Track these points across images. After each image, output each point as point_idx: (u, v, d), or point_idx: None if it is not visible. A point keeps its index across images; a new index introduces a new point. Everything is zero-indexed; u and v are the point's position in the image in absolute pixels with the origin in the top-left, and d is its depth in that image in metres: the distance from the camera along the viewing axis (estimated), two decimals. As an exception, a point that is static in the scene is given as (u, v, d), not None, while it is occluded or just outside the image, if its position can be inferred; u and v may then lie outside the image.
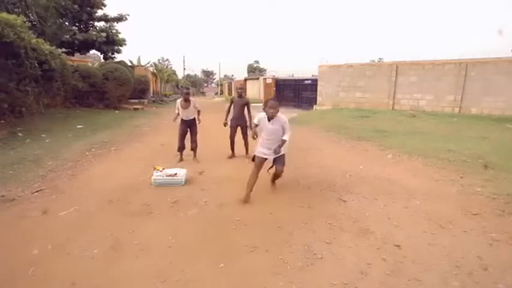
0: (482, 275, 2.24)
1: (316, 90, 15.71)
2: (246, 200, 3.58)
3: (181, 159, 5.44)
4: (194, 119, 5.48)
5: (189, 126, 5.44)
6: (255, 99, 24.48)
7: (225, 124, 5.75)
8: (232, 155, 5.81)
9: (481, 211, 3.32)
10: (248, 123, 5.68)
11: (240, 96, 5.71)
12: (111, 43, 16.83)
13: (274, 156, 3.68)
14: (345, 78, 14.40)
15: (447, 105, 11.86)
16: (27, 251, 2.54)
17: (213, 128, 5.92)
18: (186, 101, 5.30)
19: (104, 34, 15.80)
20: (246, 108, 5.66)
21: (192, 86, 52.83)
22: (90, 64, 16.65)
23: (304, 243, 2.67)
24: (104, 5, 15.81)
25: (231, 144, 5.76)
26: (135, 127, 9.92)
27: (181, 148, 5.46)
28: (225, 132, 5.81)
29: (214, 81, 69.16)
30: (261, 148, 3.71)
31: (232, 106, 5.71)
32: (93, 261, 2.42)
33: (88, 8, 15.05)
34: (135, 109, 15.81)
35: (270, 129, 3.60)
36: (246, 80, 31.87)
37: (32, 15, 12.24)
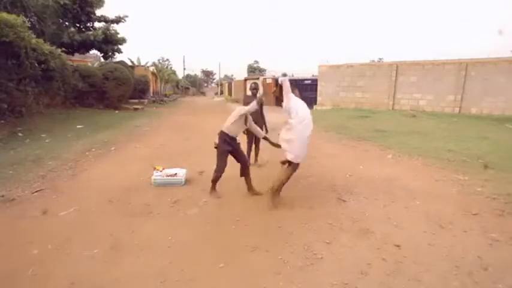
0: (482, 275, 2.24)
1: (316, 90, 15.72)
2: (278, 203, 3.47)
3: (215, 190, 3.81)
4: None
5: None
6: (255, 99, 24.45)
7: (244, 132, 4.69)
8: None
9: (481, 211, 3.32)
10: (265, 127, 5.00)
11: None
12: (110, 42, 16.80)
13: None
14: (345, 78, 14.42)
15: (447, 105, 11.87)
16: (27, 251, 2.54)
17: (213, 128, 5.89)
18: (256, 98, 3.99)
19: (101, 33, 15.76)
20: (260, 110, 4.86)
21: (192, 86, 52.69)
22: (90, 64, 16.62)
23: (304, 243, 2.67)
24: (103, 2, 15.77)
25: (247, 150, 4.98)
26: (135, 127, 9.91)
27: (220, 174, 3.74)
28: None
29: (214, 81, 69.13)
30: (303, 151, 3.32)
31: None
32: (93, 261, 2.42)
33: (88, 8, 15.02)
34: (135, 109, 15.80)
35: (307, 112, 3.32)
36: (246, 79, 31.84)
37: (30, 15, 12.22)
